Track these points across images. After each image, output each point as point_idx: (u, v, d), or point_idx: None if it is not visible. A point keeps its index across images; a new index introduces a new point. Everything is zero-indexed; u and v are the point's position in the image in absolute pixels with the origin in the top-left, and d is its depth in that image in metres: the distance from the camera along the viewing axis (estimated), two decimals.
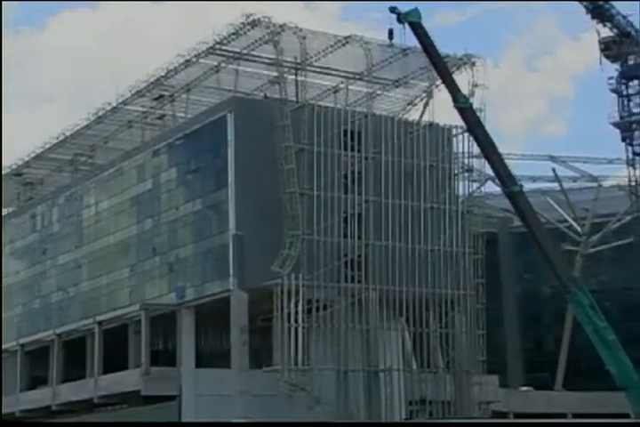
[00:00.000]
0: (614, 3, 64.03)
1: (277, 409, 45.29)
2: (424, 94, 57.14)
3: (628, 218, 67.86)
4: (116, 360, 55.68)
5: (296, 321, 46.93)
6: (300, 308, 47.12)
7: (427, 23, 42.69)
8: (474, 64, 53.17)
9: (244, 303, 48.96)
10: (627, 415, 40.80)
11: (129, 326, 56.22)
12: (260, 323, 50.96)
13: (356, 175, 51.07)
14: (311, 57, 52.41)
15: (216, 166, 52.11)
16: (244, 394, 47.15)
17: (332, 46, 52.36)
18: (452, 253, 52.60)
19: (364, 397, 48.91)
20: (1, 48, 52.18)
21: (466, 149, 53.56)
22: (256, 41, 51.04)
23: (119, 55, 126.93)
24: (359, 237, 50.28)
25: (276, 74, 51.80)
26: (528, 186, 55.30)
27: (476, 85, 52.06)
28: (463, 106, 42.47)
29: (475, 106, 45.47)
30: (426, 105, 56.61)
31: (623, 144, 66.32)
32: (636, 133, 66.09)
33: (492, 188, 61.31)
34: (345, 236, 49.98)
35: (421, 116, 56.21)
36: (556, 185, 71.22)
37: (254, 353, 50.04)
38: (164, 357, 55.64)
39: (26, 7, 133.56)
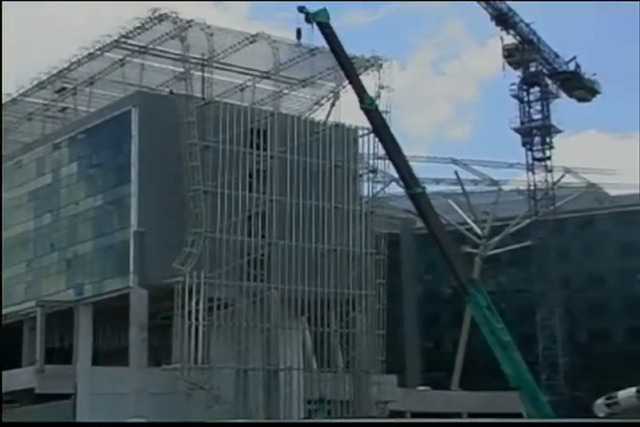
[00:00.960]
0: (521, 10, 65.39)
1: (175, 408, 44.82)
2: (331, 95, 57.33)
3: (527, 221, 69.33)
4: (10, 358, 54.34)
5: (197, 319, 46.58)
6: (201, 306, 46.79)
7: (335, 23, 42.75)
8: (381, 66, 53.58)
9: (144, 301, 48.36)
10: (520, 415, 41.56)
11: (24, 323, 54.97)
12: (159, 321, 50.37)
13: (261, 174, 50.93)
14: (218, 54, 52.04)
15: (119, 161, 51.35)
16: (141, 393, 46.54)
17: (239, 44, 52.11)
18: (355, 253, 52.92)
19: (263, 396, 48.85)
20: (1, 47, 51.02)
21: (371, 151, 54.00)
22: (162, 36, 50.46)
23: (25, 48, 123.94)
24: (262, 236, 50.18)
25: (182, 70, 51.29)
26: (431, 188, 55.93)
27: (382, 87, 52.47)
28: (369, 107, 42.63)
29: (381, 108, 45.74)
30: (332, 105, 56.85)
31: (524, 149, 67.80)
32: (537, 139, 67.56)
33: (396, 189, 61.93)
34: (248, 234, 49.81)
35: (328, 117, 56.47)
36: (458, 188, 72.33)
37: (153, 351, 49.49)
38: (59, 355, 54.52)
39: None
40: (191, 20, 49.46)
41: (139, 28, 50.18)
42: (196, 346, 46.44)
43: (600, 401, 39.23)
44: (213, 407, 45.81)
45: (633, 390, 38.70)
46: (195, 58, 50.92)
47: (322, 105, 58.73)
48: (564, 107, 69.21)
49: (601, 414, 37.69)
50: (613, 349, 70.11)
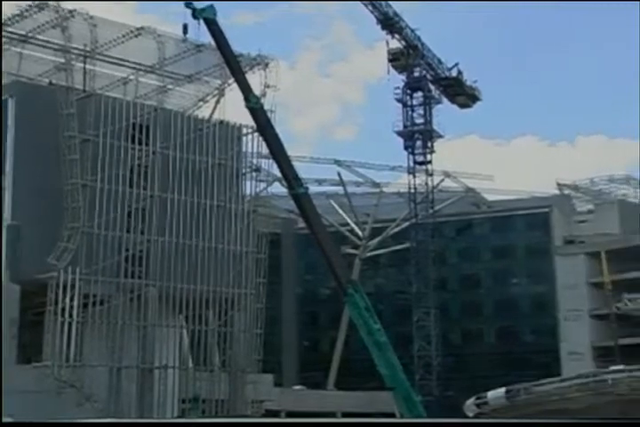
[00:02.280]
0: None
1: (44, 406, 43.65)
2: (216, 92, 56.89)
3: (406, 224, 70.38)
4: None
5: (70, 316, 45.55)
6: (75, 302, 45.76)
7: (224, 21, 42.43)
8: (267, 65, 53.49)
9: (16, 296, 46.99)
10: (392, 415, 42.15)
11: None
12: (31, 317, 49.05)
13: (143, 169, 50.16)
14: (101, 46, 51.02)
15: None
16: (9, 391, 45.17)
17: (123, 37, 51.18)
18: (236, 251, 52.68)
19: (136, 394, 48.10)
20: (1, 48, 48.28)
21: (255, 149, 53.86)
22: (43, 24, 49.13)
23: None
24: (142, 233, 49.43)
25: (63, 60, 50.05)
26: (314, 189, 56.33)
27: (268, 86, 52.39)
28: (254, 106, 42.45)
29: (266, 107, 45.61)
30: (217, 102, 56.42)
31: (406, 152, 68.79)
32: (418, 143, 68.62)
33: (279, 188, 62.02)
34: (127, 230, 48.98)
35: (212, 114, 55.99)
36: (340, 189, 72.96)
37: (23, 348, 48.12)
38: None
39: None
40: (73, 10, 48.32)
41: (17, 15, 48.74)
42: (68, 343, 45.39)
43: (470, 401, 40.12)
44: (84, 405, 44.88)
45: (502, 390, 39.71)
46: (76, 49, 49.77)
47: (206, 102, 58.23)
48: (447, 112, 70.63)
49: (470, 414, 38.53)
50: (486, 349, 71.88)
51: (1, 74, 48.33)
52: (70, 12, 48.25)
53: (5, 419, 42.73)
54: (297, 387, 63.58)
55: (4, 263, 47.30)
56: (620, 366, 46.48)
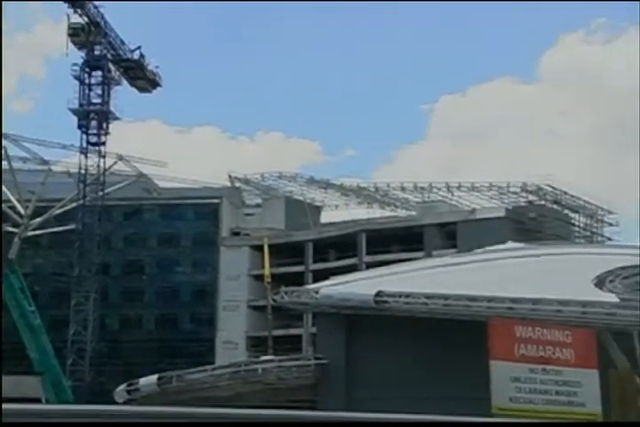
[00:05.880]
0: None
1: None
2: None
3: (73, 205, 68.35)
4: None
5: None
6: None
7: None
8: None
9: None
10: (38, 400, 40.69)
11: None
12: None
13: None
14: None
15: None
16: None
17: None
18: None
19: None
20: (1, 48, 39.48)
21: None
22: None
23: None
24: None
25: None
26: None
27: None
28: None
29: None
30: None
31: (79, 132, 66.77)
32: (94, 123, 66.85)
33: None
34: None
35: None
36: (5, 164, 69.36)
37: None
38: None
39: None
40: None
41: None
42: None
43: (121, 388, 39.62)
44: None
45: (154, 377, 39.59)
46: None
47: None
48: (130, 95, 69.33)
49: (120, 401, 38.03)
50: (144, 336, 71.53)
51: (1, 72, 41.69)
52: None
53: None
54: None
55: None
56: (271, 357, 48.11)
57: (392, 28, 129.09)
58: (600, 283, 33.63)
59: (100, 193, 67.18)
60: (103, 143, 67.10)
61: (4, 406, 6.09)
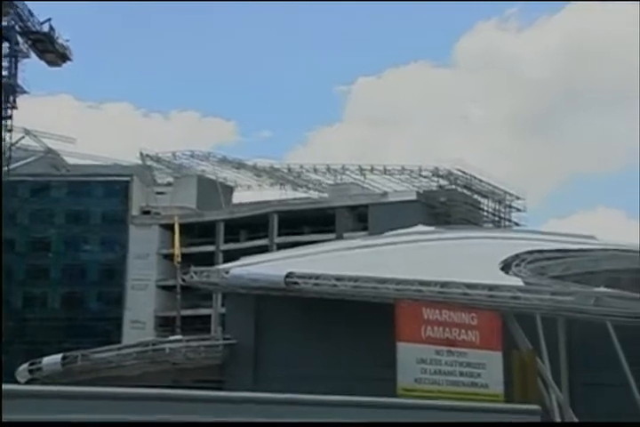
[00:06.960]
0: None
1: None
2: None
3: None
4: None
5: None
6: None
7: None
8: None
9: None
10: None
11: None
12: None
13: None
14: None
15: None
16: None
17: None
18: None
19: None
20: (1, 50, 44.15)
21: None
22: None
23: None
24: None
25: None
26: None
27: None
28: None
29: None
30: None
31: None
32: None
33: None
34: None
35: None
36: None
37: None
38: None
39: None
40: None
41: None
42: None
43: (23, 367, 38.86)
44: None
45: (59, 356, 38.92)
46: None
47: None
48: (40, 68, 67.59)
49: (22, 380, 37.29)
50: (49, 315, 70.33)
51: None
52: None
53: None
54: None
55: None
56: (179, 336, 47.79)
57: (309, 8, 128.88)
58: (506, 267, 34.21)
59: (6, 168, 65.51)
60: (9, 117, 65.37)
61: None
